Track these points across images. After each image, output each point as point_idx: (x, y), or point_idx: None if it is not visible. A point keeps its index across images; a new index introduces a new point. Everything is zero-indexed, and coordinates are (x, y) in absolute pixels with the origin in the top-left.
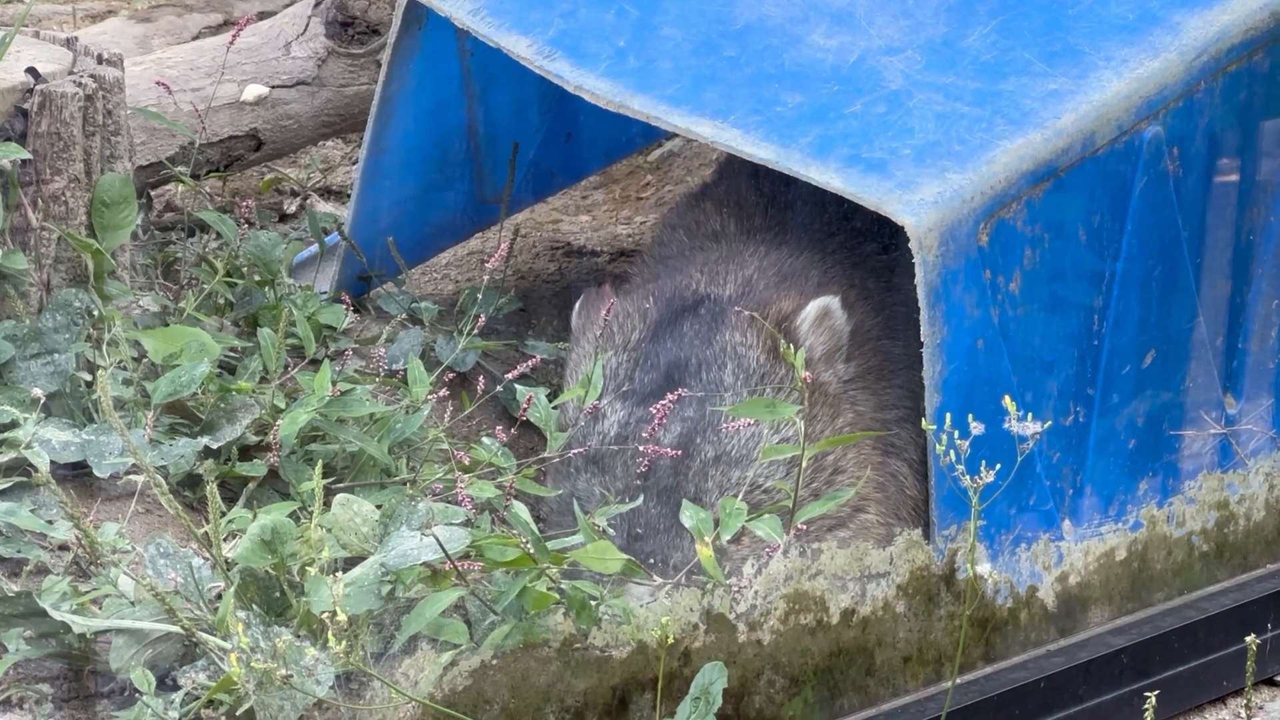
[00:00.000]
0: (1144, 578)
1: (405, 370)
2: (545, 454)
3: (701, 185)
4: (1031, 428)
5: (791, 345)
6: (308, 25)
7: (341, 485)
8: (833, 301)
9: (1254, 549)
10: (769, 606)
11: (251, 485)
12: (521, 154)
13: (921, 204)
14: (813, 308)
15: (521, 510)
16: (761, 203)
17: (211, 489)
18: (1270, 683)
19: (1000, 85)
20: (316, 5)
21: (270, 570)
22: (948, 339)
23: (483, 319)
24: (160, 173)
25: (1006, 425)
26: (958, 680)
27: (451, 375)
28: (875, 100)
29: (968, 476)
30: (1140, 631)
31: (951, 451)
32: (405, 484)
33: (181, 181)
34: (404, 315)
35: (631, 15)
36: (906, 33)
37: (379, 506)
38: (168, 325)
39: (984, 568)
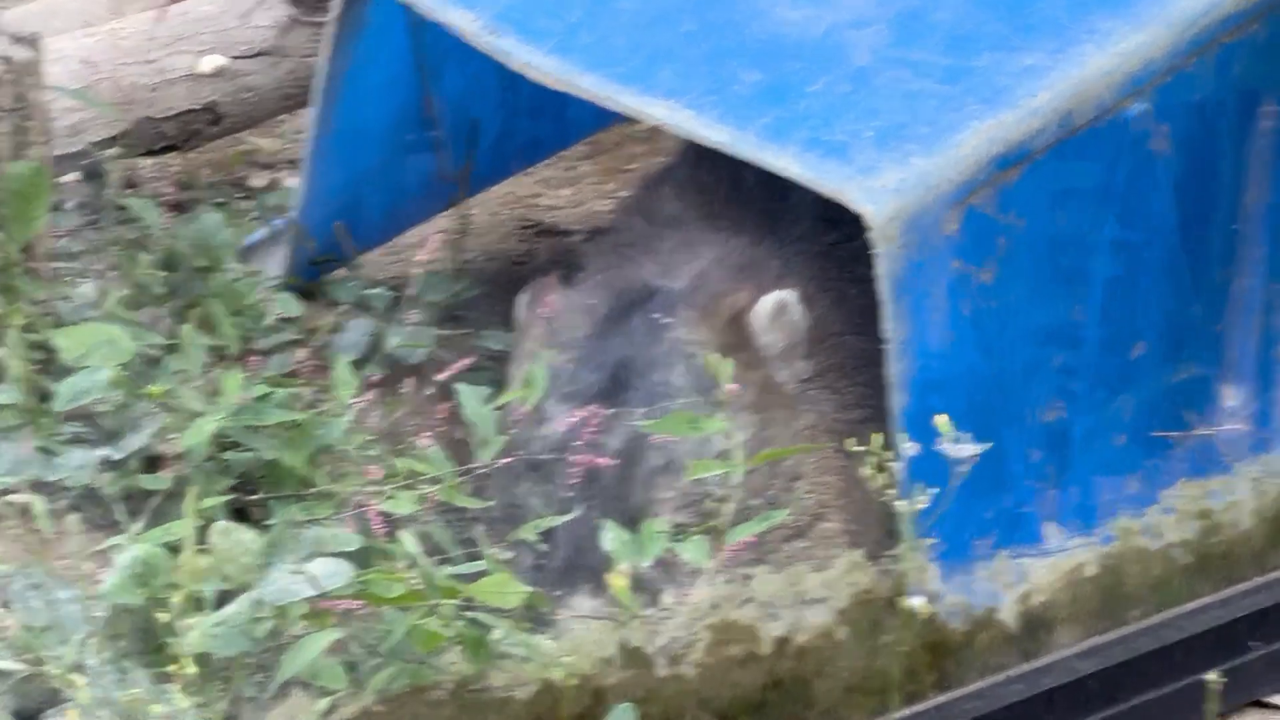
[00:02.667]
0: (1117, 594)
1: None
2: (473, 463)
3: (662, 167)
4: (967, 450)
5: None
6: None
7: (256, 498)
8: (789, 296)
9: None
10: (692, 638)
11: (157, 500)
12: (485, 130)
13: (883, 191)
14: (768, 302)
15: (409, 540)
16: (721, 188)
17: (73, 519)
18: (1259, 705)
19: (973, 61)
20: None
21: (145, 604)
22: (913, 335)
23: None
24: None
25: (937, 446)
26: (907, 712)
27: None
28: (839, 78)
29: (900, 501)
30: (1111, 654)
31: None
32: (325, 496)
33: (106, 163)
34: (353, 303)
35: None
36: (876, 4)
37: (277, 527)
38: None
39: (917, 600)
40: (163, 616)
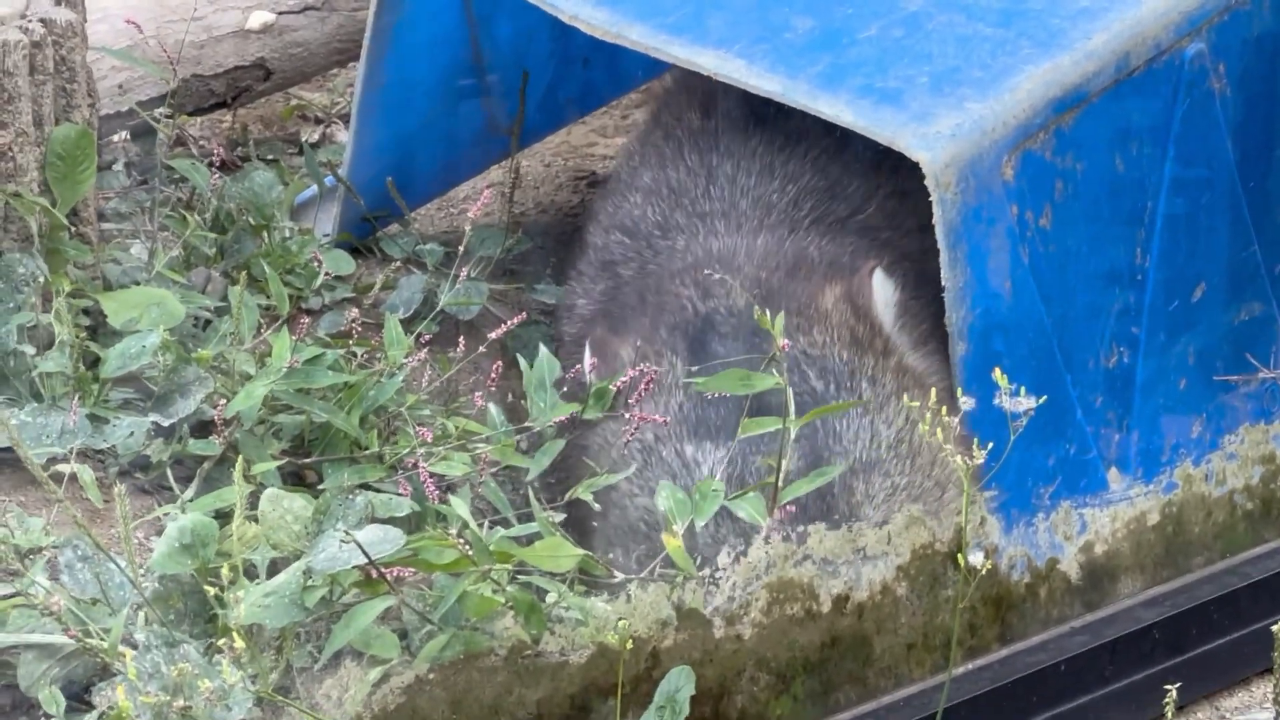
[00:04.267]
0: (1180, 542)
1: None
2: (532, 421)
3: (615, 173)
4: (1025, 403)
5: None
6: None
7: (309, 461)
8: (879, 270)
9: None
10: (749, 598)
11: (207, 466)
12: (534, 83)
13: (938, 137)
14: (877, 280)
15: (459, 504)
16: (697, 187)
17: (119, 490)
18: None
19: (1027, 3)
20: None
21: (194, 575)
22: (971, 282)
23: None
24: (156, 110)
25: (997, 401)
26: (970, 666)
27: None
28: (892, 23)
29: (960, 457)
30: (1175, 603)
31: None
32: (378, 459)
33: (155, 123)
34: (405, 259)
35: None
36: None
37: (328, 494)
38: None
39: (976, 558)
40: (211, 588)
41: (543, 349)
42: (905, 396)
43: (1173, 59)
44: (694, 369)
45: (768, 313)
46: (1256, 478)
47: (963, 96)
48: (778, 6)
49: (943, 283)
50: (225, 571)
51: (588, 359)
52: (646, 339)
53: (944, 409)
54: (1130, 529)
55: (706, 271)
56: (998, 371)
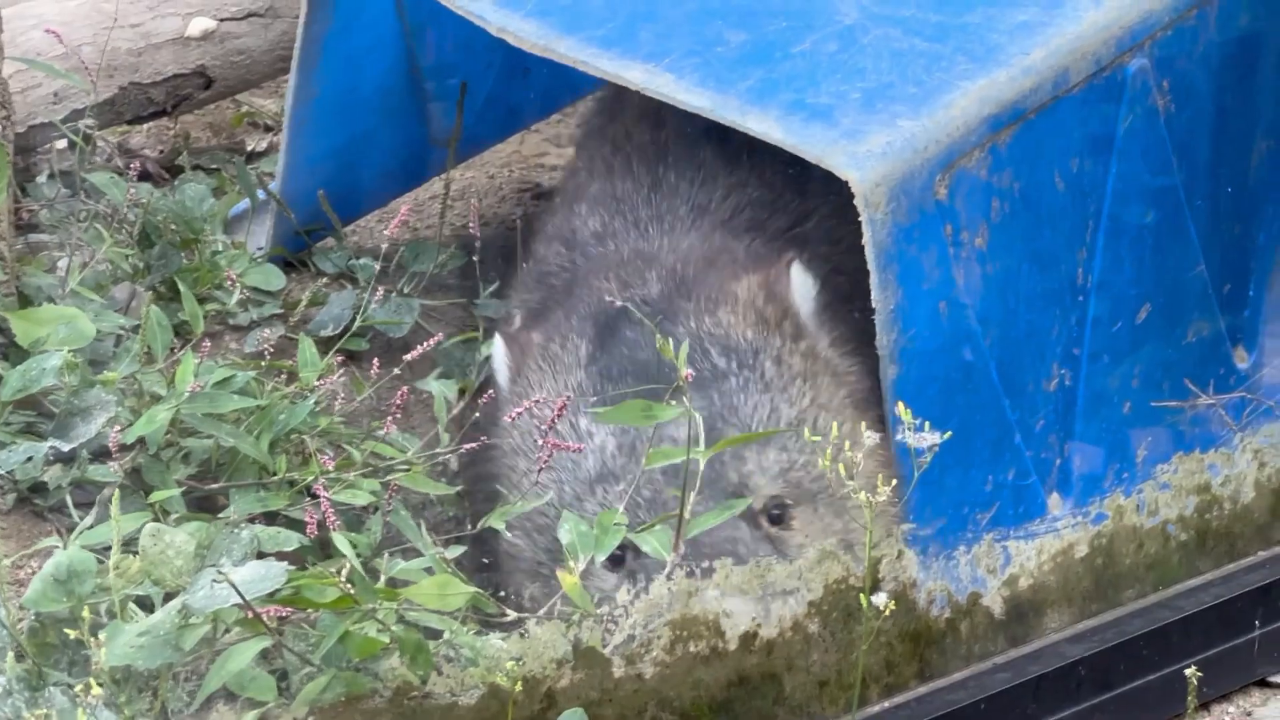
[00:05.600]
0: (1110, 575)
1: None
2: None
3: (554, 189)
4: (929, 439)
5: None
6: None
7: (215, 487)
8: (798, 262)
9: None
10: (650, 636)
11: (108, 492)
12: (474, 93)
13: (868, 155)
14: (796, 271)
15: (342, 541)
16: (635, 194)
17: None
18: (1263, 684)
19: (964, 18)
20: None
21: (71, 612)
22: (903, 304)
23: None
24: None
25: (900, 436)
26: (886, 704)
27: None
28: (826, 38)
29: (863, 494)
30: (1103, 638)
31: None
32: (286, 485)
33: (73, 137)
34: (338, 274)
35: None
36: None
37: (212, 527)
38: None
39: (880, 598)
40: (72, 630)
41: (435, 386)
42: (819, 380)
43: (1114, 75)
44: (598, 353)
45: (670, 341)
46: (1191, 508)
47: (895, 113)
48: (710, 20)
49: (873, 304)
50: (86, 614)
51: (498, 352)
52: (557, 327)
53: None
54: (1057, 561)
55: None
56: (901, 406)
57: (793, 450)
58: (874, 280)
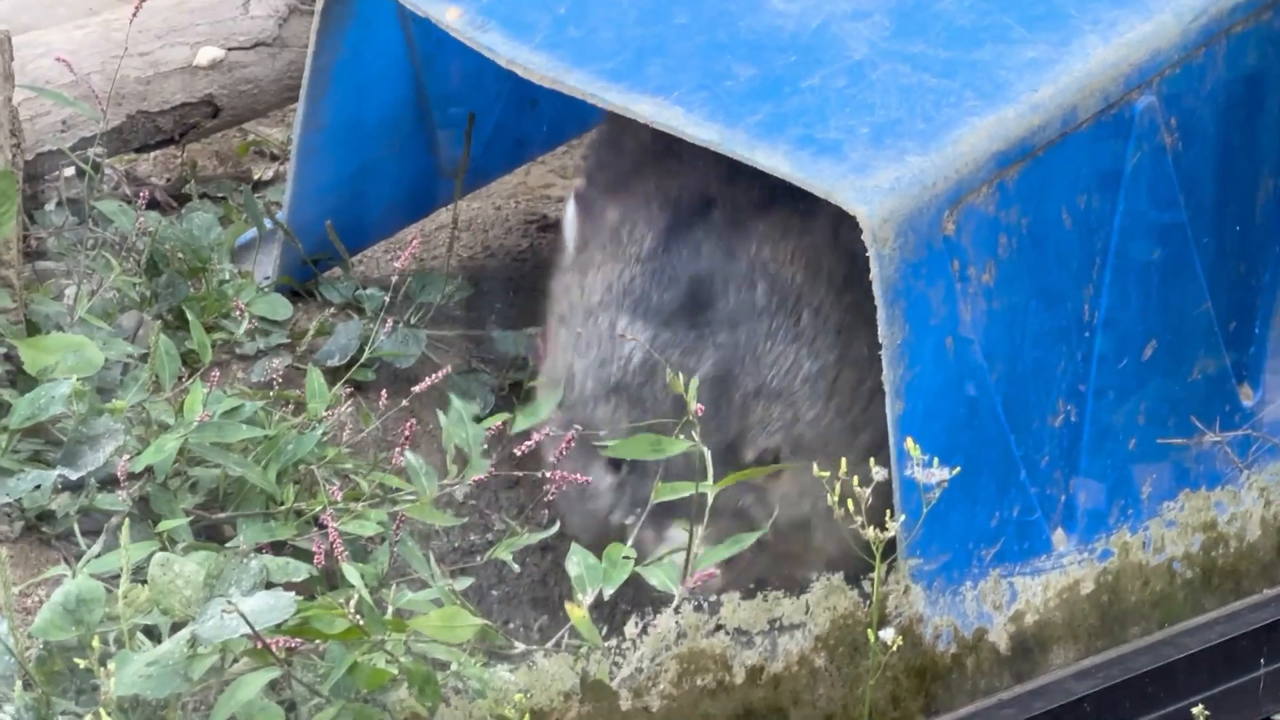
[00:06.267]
0: (1115, 611)
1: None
2: (451, 479)
3: None
4: (938, 475)
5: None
6: None
7: (223, 516)
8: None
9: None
10: (657, 669)
11: (115, 521)
12: (481, 123)
13: (876, 191)
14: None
15: (351, 572)
16: None
17: (1, 553)
18: None
19: (974, 54)
20: None
21: (79, 642)
22: (910, 339)
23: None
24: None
25: (908, 471)
26: None
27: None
28: (835, 72)
29: (871, 529)
30: (1108, 675)
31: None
32: (294, 515)
33: (82, 165)
34: (344, 304)
35: None
36: None
37: (221, 557)
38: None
39: (887, 633)
40: (81, 660)
41: (455, 403)
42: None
43: (1122, 112)
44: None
45: (680, 376)
46: (1197, 545)
47: (903, 149)
48: (719, 53)
49: (879, 339)
50: (95, 643)
51: (569, 214)
52: (631, 211)
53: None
54: (1063, 598)
55: None
56: (910, 442)
57: (801, 406)
58: (881, 315)
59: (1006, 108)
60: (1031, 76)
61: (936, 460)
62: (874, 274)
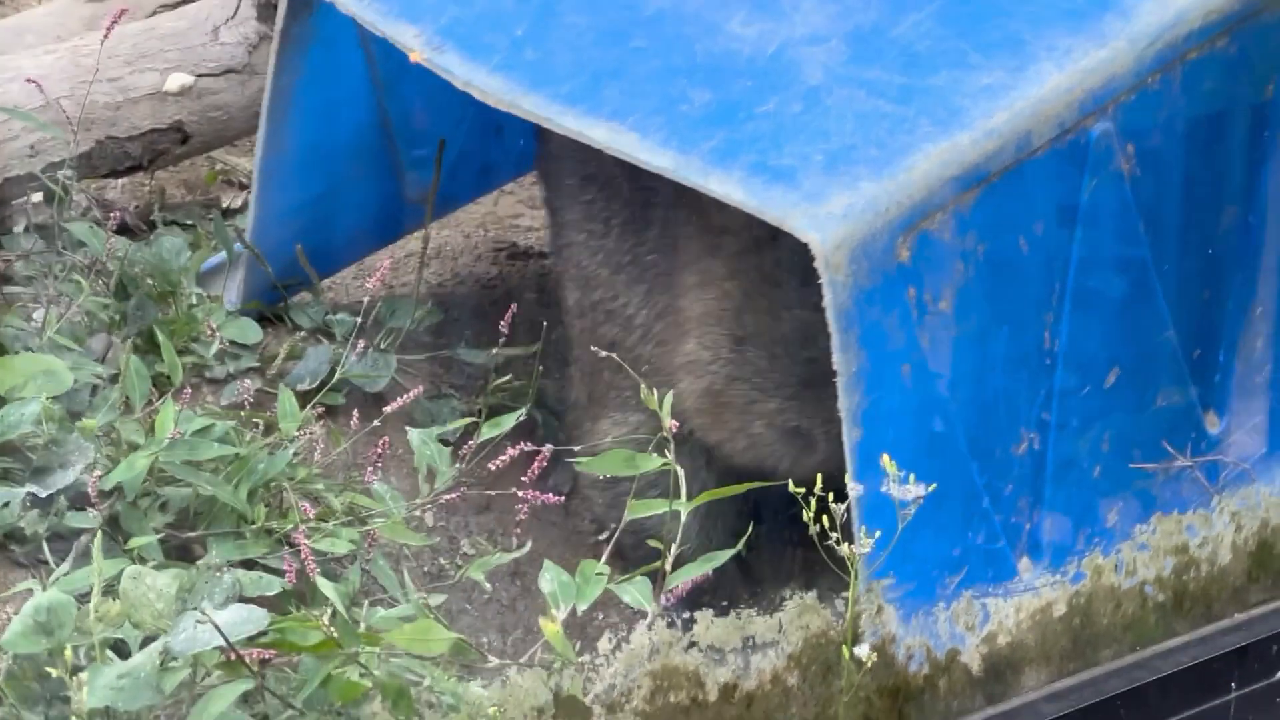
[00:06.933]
0: (1087, 634)
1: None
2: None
3: None
4: (913, 491)
5: None
6: (238, 8)
7: (193, 535)
8: None
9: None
10: (631, 685)
11: (85, 539)
12: (446, 149)
13: (829, 218)
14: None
15: (326, 585)
16: None
17: None
18: None
19: (929, 80)
20: None
21: (50, 655)
22: (866, 367)
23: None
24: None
25: (884, 489)
26: None
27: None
28: (791, 98)
29: (846, 546)
30: (1080, 697)
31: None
32: (265, 533)
33: (54, 187)
34: (314, 329)
35: (533, 0)
36: (833, 19)
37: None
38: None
39: (862, 650)
40: (53, 670)
41: (414, 435)
42: None
43: (1078, 138)
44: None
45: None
46: (1169, 569)
47: (857, 175)
48: (676, 77)
49: (834, 367)
50: (67, 654)
51: None
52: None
53: None
54: (1035, 620)
55: None
56: (886, 458)
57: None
58: (835, 343)
59: (961, 134)
60: (986, 102)
61: (913, 477)
62: (827, 301)
